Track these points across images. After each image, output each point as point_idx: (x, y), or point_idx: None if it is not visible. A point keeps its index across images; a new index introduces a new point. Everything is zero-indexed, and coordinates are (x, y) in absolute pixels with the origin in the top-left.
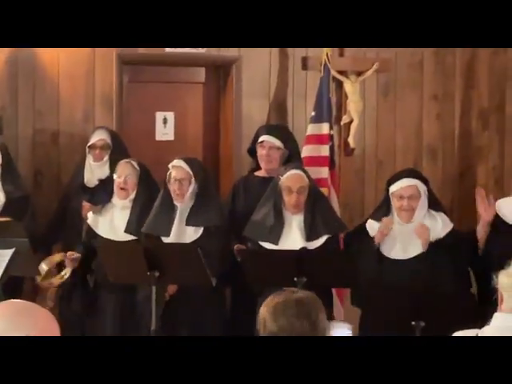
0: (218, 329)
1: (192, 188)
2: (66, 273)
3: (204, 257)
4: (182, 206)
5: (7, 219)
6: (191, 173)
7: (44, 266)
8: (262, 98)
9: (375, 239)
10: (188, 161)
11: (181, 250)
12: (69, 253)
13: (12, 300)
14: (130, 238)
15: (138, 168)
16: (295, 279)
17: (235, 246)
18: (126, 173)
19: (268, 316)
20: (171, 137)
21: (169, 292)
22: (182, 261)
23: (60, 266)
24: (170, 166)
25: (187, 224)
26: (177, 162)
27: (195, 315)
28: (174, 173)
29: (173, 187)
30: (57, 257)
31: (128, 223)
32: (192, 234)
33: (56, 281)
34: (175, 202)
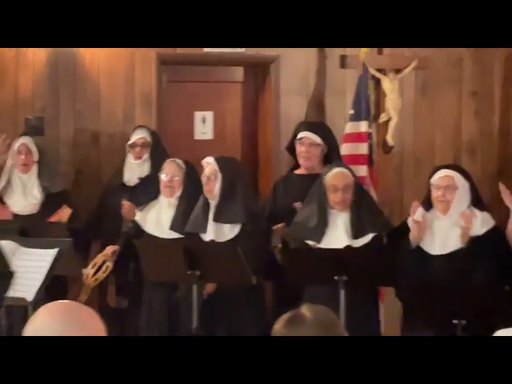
0: (257, 327)
1: (218, 184)
2: (109, 266)
3: (244, 254)
4: (213, 202)
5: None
6: (218, 169)
7: (90, 270)
8: (300, 96)
9: (411, 234)
10: (217, 158)
11: (221, 248)
12: (107, 248)
13: (59, 301)
14: (175, 235)
15: (183, 166)
16: (336, 278)
17: (275, 227)
18: (171, 171)
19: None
20: (210, 136)
21: (207, 290)
22: (222, 259)
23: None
24: (202, 163)
25: (214, 220)
26: (207, 159)
27: (234, 314)
28: (205, 170)
29: (203, 184)
30: (99, 258)
31: (173, 221)
32: (228, 231)
33: (101, 276)
34: (208, 199)
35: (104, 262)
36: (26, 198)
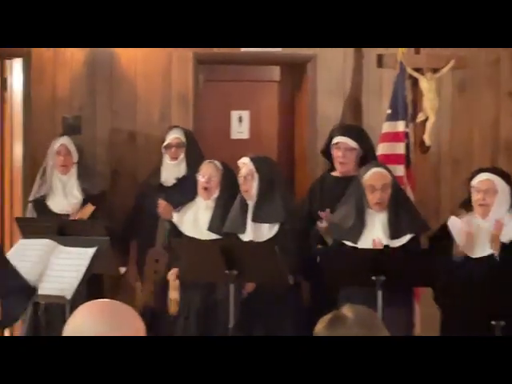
0: (295, 327)
1: (255, 184)
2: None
3: (282, 254)
4: (251, 202)
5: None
6: (254, 169)
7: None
8: (337, 96)
9: (459, 243)
10: (253, 158)
11: (258, 248)
12: (170, 277)
13: (100, 300)
14: (213, 236)
15: (221, 168)
16: (373, 278)
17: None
18: (209, 173)
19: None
20: (246, 135)
21: (246, 290)
22: (259, 259)
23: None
24: (238, 163)
25: (253, 220)
26: (243, 160)
27: (271, 313)
28: (241, 170)
29: (240, 184)
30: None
31: (211, 222)
32: (267, 231)
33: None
34: (246, 200)
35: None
36: (66, 198)
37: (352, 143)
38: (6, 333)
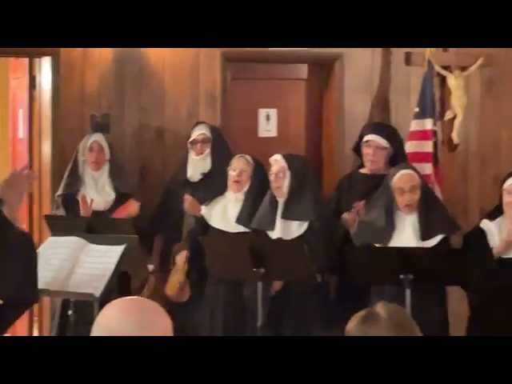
0: (322, 325)
1: (287, 182)
2: (181, 280)
3: (310, 252)
4: (282, 199)
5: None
6: (286, 167)
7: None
8: (365, 93)
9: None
10: (285, 155)
11: (286, 246)
12: (178, 260)
13: (127, 297)
14: (240, 229)
15: (252, 162)
16: (401, 277)
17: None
18: (240, 166)
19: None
20: (274, 133)
21: (274, 288)
22: (287, 257)
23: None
24: (269, 160)
25: (282, 217)
26: (275, 157)
27: (300, 311)
28: (272, 167)
29: (271, 181)
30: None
31: (239, 214)
32: (296, 229)
33: (176, 290)
34: (276, 197)
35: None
36: (100, 194)
37: (383, 142)
38: (35, 331)
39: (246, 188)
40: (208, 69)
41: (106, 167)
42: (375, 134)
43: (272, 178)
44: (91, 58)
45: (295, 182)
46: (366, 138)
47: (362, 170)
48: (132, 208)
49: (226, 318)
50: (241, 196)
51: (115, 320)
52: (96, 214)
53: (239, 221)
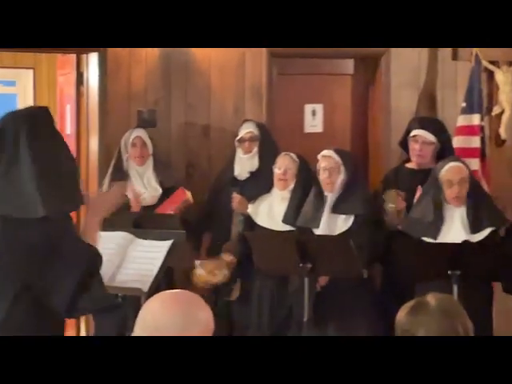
0: (369, 320)
1: (341, 177)
2: (226, 275)
3: (356, 247)
4: (332, 195)
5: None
6: (341, 162)
7: (202, 271)
8: (411, 89)
9: None
10: (337, 151)
11: (332, 241)
12: (225, 257)
13: (171, 290)
14: (287, 228)
15: (297, 160)
16: (449, 272)
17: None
18: (285, 164)
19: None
20: (320, 129)
21: (320, 283)
22: (333, 253)
23: None
24: (319, 156)
25: (334, 212)
26: (326, 152)
27: (346, 306)
28: (323, 163)
29: (322, 177)
30: (215, 265)
31: (286, 214)
32: (342, 224)
33: (212, 281)
34: (325, 192)
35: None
36: (147, 189)
37: (430, 137)
38: (82, 329)
39: (291, 186)
40: (254, 64)
41: (150, 162)
42: (423, 128)
43: (324, 174)
44: (138, 54)
45: (348, 177)
46: (413, 132)
47: (409, 165)
48: (188, 195)
49: (273, 314)
50: (286, 194)
51: (159, 313)
52: (144, 209)
53: (286, 220)
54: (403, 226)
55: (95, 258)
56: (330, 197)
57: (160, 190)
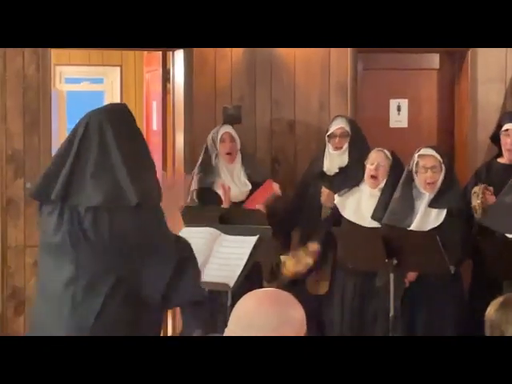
0: (455, 316)
1: (442, 175)
2: (309, 263)
3: (445, 244)
4: (431, 194)
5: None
6: (441, 160)
7: (290, 261)
8: (498, 83)
9: None
10: (437, 149)
11: (419, 237)
12: (310, 246)
13: (266, 288)
14: (374, 224)
15: (390, 157)
16: None
17: None
18: (377, 161)
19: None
20: (405, 124)
21: (408, 279)
22: (420, 248)
23: None
24: (416, 155)
25: (431, 206)
26: (427, 151)
27: (433, 302)
28: (423, 162)
29: (423, 176)
30: (301, 255)
31: (375, 210)
32: (434, 220)
33: (300, 271)
34: (423, 191)
35: (304, 258)
36: (237, 185)
37: None
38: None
39: (382, 183)
40: (339, 60)
41: (239, 158)
42: None
43: (427, 173)
44: (223, 51)
45: (448, 175)
46: (505, 126)
47: (501, 160)
48: (275, 187)
49: (357, 309)
50: (376, 191)
51: (255, 311)
52: (234, 204)
53: (374, 216)
54: (490, 222)
55: (187, 248)
56: (427, 195)
57: (249, 186)
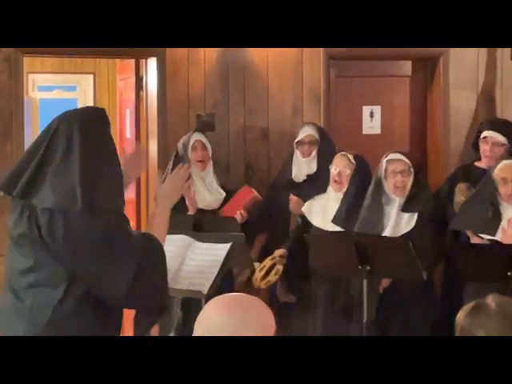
0: (429, 321)
1: (411, 179)
2: (279, 269)
3: (417, 248)
4: (401, 198)
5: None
6: (410, 164)
7: (259, 274)
8: (470, 90)
9: None
10: (404, 153)
11: (392, 243)
12: (276, 252)
13: (230, 294)
14: (337, 228)
15: (353, 162)
16: (509, 273)
17: None
18: (340, 165)
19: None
20: (378, 130)
21: (382, 285)
22: (392, 254)
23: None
24: (384, 160)
25: (403, 210)
26: (396, 156)
27: (407, 309)
28: (393, 167)
29: (392, 181)
30: (268, 262)
31: (336, 214)
32: (405, 225)
33: (273, 278)
34: (393, 196)
35: (274, 265)
36: (211, 194)
37: (501, 138)
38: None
39: (346, 187)
40: (311, 67)
41: (210, 165)
42: (493, 130)
43: (396, 177)
44: (196, 58)
45: (415, 177)
46: (483, 134)
47: (478, 164)
48: (255, 191)
49: (329, 316)
50: (340, 195)
51: (211, 315)
52: (208, 212)
53: (335, 220)
54: (460, 224)
55: (156, 251)
56: (398, 200)
57: (223, 193)
